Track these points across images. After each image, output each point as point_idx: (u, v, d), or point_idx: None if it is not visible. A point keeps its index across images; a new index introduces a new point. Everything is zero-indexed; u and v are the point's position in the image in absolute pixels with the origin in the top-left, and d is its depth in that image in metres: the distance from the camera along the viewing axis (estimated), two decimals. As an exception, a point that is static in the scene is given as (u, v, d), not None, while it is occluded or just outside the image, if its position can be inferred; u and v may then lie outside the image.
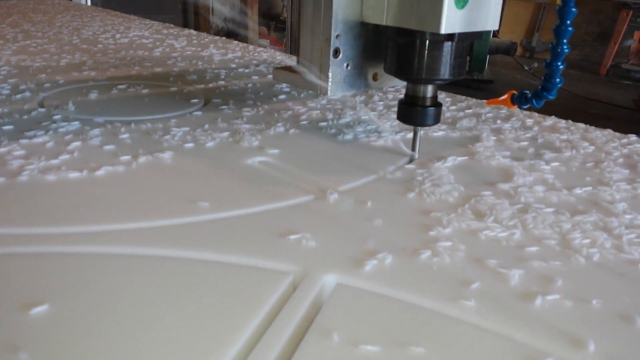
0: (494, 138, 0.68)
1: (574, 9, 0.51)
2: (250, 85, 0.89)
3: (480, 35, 0.55)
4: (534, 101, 0.56)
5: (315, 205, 0.49)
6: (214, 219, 0.46)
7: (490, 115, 0.77)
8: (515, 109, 0.71)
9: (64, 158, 0.56)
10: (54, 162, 0.54)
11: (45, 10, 1.73)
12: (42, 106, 0.73)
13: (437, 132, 0.70)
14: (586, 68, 4.70)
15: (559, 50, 0.52)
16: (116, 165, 0.54)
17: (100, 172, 0.53)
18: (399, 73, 0.56)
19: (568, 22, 0.51)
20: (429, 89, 0.56)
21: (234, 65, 1.03)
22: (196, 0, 3.85)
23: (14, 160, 0.54)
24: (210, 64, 1.04)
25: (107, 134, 0.63)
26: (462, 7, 0.51)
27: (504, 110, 0.80)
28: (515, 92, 0.57)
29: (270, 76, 0.96)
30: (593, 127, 0.74)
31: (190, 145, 0.61)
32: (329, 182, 0.54)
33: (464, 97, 0.87)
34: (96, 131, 0.64)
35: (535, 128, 0.72)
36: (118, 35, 1.30)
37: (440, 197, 0.50)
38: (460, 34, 0.52)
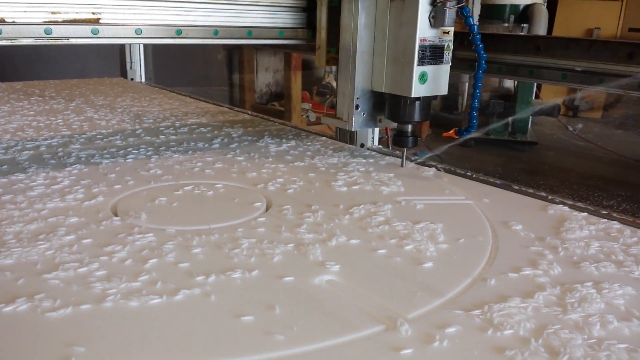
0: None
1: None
2: (305, 183, 0.92)
3: (436, 97, 0.99)
4: (464, 133, 0.98)
5: (387, 338, 0.50)
6: (289, 356, 0.47)
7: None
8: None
9: (143, 279, 0.59)
10: (135, 284, 0.58)
11: (105, 92, 1.83)
12: (115, 214, 0.77)
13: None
14: (632, 127, 4.63)
15: (474, 106, 0.97)
16: (193, 288, 0.57)
17: (178, 297, 0.55)
18: (393, 118, 1.03)
19: (477, 91, 0.97)
20: (409, 127, 1.02)
21: (289, 157, 1.07)
22: (242, 72, 4.00)
23: (97, 282, 0.58)
24: (267, 156, 1.08)
25: (180, 247, 0.66)
26: (424, 83, 0.95)
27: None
28: (457, 128, 1.00)
29: (327, 172, 0.99)
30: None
31: (258, 260, 0.64)
32: (397, 306, 0.55)
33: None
34: (170, 245, 0.67)
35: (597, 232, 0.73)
36: (178, 124, 1.36)
37: (513, 329, 0.51)
38: (423, 97, 0.97)
